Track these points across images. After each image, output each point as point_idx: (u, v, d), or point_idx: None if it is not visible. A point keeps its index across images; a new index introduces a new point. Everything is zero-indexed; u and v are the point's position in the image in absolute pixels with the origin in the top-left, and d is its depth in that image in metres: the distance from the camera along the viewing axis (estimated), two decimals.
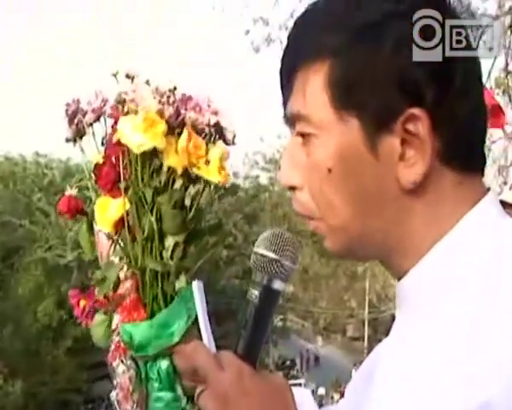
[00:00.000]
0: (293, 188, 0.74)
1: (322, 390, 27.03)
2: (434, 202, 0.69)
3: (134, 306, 0.95)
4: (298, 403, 0.77)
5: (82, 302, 0.98)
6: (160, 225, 0.94)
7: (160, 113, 0.93)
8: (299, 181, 0.73)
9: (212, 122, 0.97)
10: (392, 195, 0.69)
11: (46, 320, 20.42)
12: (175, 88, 0.95)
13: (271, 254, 0.76)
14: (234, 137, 1.00)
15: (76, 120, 0.97)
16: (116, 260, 0.97)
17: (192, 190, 0.96)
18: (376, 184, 0.69)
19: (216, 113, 0.97)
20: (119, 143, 0.92)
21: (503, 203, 0.73)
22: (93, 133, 0.99)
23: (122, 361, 0.96)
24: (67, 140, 1.00)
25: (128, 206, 0.95)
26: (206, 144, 0.97)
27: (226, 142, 1.00)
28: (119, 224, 0.96)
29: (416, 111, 0.66)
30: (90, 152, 0.99)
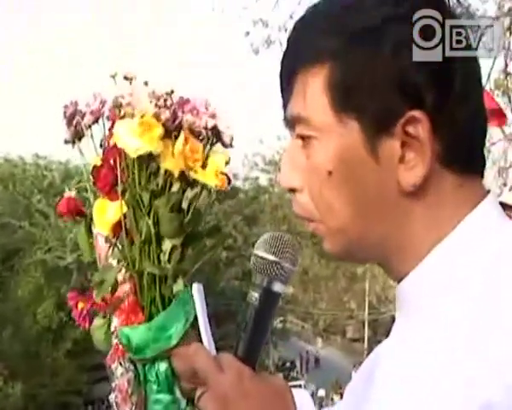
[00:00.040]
0: (293, 190, 0.74)
1: (322, 392, 27.02)
2: (434, 205, 0.69)
3: (132, 309, 0.95)
4: (298, 405, 0.77)
5: (80, 304, 0.98)
6: (158, 228, 0.94)
7: (157, 116, 0.92)
8: (299, 183, 0.73)
9: (209, 125, 0.97)
10: (392, 197, 0.69)
11: (46, 322, 20.44)
12: (172, 91, 0.95)
13: (271, 257, 0.76)
14: (232, 139, 1.00)
15: (74, 122, 0.97)
16: (114, 262, 0.97)
17: (189, 193, 0.96)
18: (376, 186, 0.69)
19: (213, 116, 0.97)
20: (115, 146, 0.92)
21: (503, 205, 0.73)
22: (91, 135, 0.99)
23: (120, 364, 0.96)
24: (66, 142, 1.00)
25: (125, 209, 0.95)
26: (204, 147, 0.97)
27: (224, 144, 0.99)
28: (118, 226, 0.96)
29: (416, 113, 0.66)
30: (89, 154, 0.99)
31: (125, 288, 0.96)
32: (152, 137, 0.91)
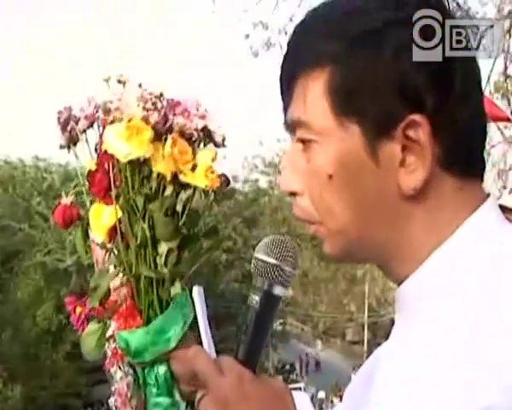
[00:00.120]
0: (293, 194, 0.74)
1: (321, 394, 27.02)
2: (434, 209, 0.69)
3: (130, 313, 0.95)
4: (297, 408, 0.77)
5: (78, 309, 0.98)
6: (153, 231, 0.94)
7: (146, 119, 0.92)
8: (299, 187, 0.73)
9: (199, 127, 0.96)
10: (393, 201, 0.69)
11: (45, 324, 20.43)
12: (161, 94, 0.95)
13: (272, 260, 0.76)
14: (223, 139, 0.99)
15: (69, 128, 0.97)
16: (111, 267, 0.97)
17: (183, 195, 0.95)
18: (377, 190, 0.69)
19: (203, 117, 0.97)
20: (106, 151, 0.92)
21: (503, 208, 0.73)
22: (86, 140, 0.99)
23: (120, 367, 0.96)
24: (61, 147, 0.99)
25: (120, 213, 0.94)
26: (195, 149, 0.96)
27: (216, 145, 0.99)
28: (114, 231, 0.96)
29: (416, 117, 0.66)
30: (85, 158, 0.99)
31: (122, 292, 0.96)
32: (142, 141, 0.91)
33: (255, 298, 0.77)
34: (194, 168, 0.95)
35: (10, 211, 22.80)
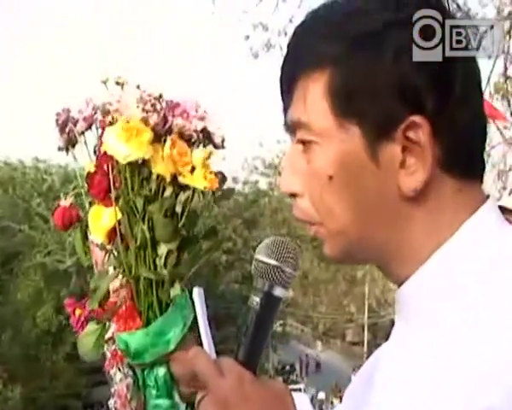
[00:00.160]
0: (293, 195, 0.74)
1: (321, 395, 27.01)
2: (435, 210, 0.69)
3: (129, 314, 0.95)
4: (297, 409, 0.77)
5: (78, 311, 0.98)
6: (153, 233, 0.94)
7: (145, 121, 0.92)
8: (299, 188, 0.73)
9: (199, 128, 0.96)
10: (393, 202, 0.69)
11: (45, 325, 20.41)
12: (161, 95, 0.95)
13: (272, 261, 0.76)
14: (223, 141, 0.99)
15: (67, 130, 0.97)
16: (111, 269, 0.97)
17: (182, 196, 0.95)
18: (377, 191, 0.69)
19: (202, 118, 0.97)
20: (106, 153, 0.92)
21: (503, 209, 0.73)
22: (85, 142, 0.98)
23: (119, 369, 0.96)
24: (59, 149, 0.99)
25: (120, 215, 0.94)
26: (196, 149, 0.97)
27: (215, 146, 0.99)
28: (113, 233, 0.96)
29: (416, 119, 0.66)
30: (84, 160, 0.99)
31: (122, 294, 0.96)
32: (141, 142, 0.91)
33: (256, 299, 0.77)
34: (193, 170, 0.95)
35: (10, 212, 22.80)
